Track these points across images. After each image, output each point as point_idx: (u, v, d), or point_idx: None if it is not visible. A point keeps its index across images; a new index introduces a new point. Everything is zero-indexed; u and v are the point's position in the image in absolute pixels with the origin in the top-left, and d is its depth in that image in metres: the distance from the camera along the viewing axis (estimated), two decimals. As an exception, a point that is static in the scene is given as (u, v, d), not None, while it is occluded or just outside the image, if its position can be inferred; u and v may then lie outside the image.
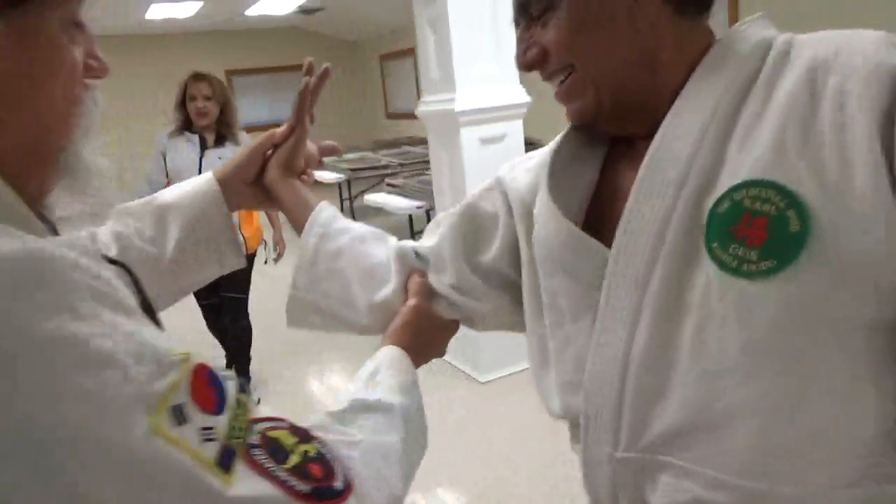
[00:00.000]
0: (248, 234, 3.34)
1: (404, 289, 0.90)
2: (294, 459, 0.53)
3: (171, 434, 0.46)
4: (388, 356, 0.81)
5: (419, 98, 3.31)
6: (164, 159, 3.29)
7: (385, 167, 6.48)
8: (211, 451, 0.48)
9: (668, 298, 0.63)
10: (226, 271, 1.05)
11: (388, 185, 5.31)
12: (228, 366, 3.52)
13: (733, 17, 5.68)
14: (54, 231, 0.63)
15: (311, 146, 1.06)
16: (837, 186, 0.57)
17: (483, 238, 0.88)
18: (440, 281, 0.90)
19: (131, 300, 0.51)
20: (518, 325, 0.87)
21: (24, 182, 0.54)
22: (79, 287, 0.45)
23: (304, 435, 0.57)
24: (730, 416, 0.61)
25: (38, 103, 0.54)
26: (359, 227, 0.97)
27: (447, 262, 0.89)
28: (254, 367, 3.62)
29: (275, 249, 3.50)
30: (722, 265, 0.61)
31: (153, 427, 0.46)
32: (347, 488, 0.55)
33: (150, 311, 0.73)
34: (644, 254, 0.65)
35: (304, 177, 1.02)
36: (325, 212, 0.97)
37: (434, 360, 0.92)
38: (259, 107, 10.63)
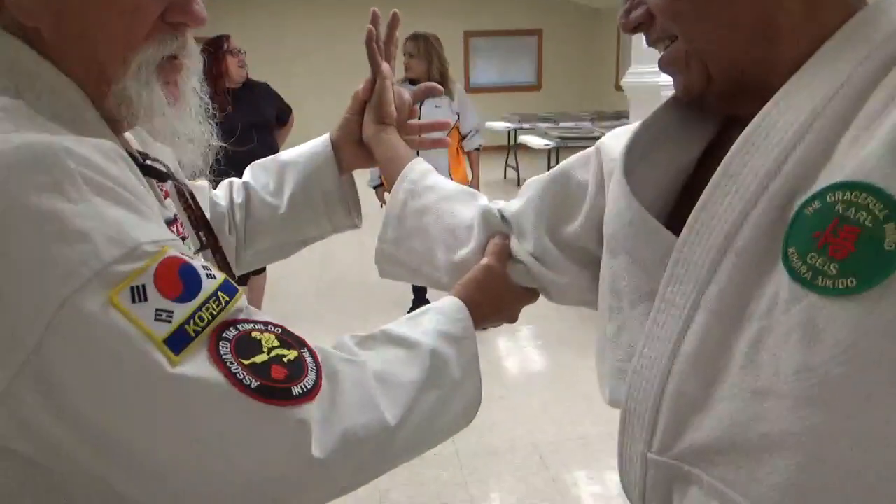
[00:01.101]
0: (455, 178, 3.64)
1: (483, 250, 0.88)
2: (260, 358, 0.57)
3: (125, 307, 0.52)
4: (442, 304, 0.80)
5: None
6: None
7: (597, 138, 6.24)
8: (161, 330, 0.53)
9: (730, 301, 0.56)
10: (339, 230, 1.11)
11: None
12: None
13: None
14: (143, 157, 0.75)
15: (404, 94, 1.07)
16: None
17: (569, 208, 0.83)
18: (520, 247, 0.87)
19: (142, 200, 0.58)
20: (595, 303, 0.81)
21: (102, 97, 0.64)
22: (72, 174, 0.52)
23: (293, 342, 0.61)
24: (770, 445, 0.52)
25: (96, 36, 0.62)
26: (449, 186, 0.96)
27: (528, 229, 0.86)
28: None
29: None
30: (794, 274, 0.52)
31: (110, 298, 0.51)
32: (306, 395, 0.58)
33: (204, 224, 0.83)
34: (712, 248, 0.57)
35: (415, 133, 1.05)
36: (417, 168, 0.97)
37: None
38: (492, 69, 10.83)
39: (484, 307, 0.82)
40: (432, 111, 3.50)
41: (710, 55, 0.61)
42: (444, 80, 3.54)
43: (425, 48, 3.50)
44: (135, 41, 0.63)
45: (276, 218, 1.04)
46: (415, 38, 3.53)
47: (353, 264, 4.86)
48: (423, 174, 0.97)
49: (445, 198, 0.94)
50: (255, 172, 1.08)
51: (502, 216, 0.90)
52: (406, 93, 1.07)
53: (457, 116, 3.70)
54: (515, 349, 3.62)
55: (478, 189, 3.78)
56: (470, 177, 3.84)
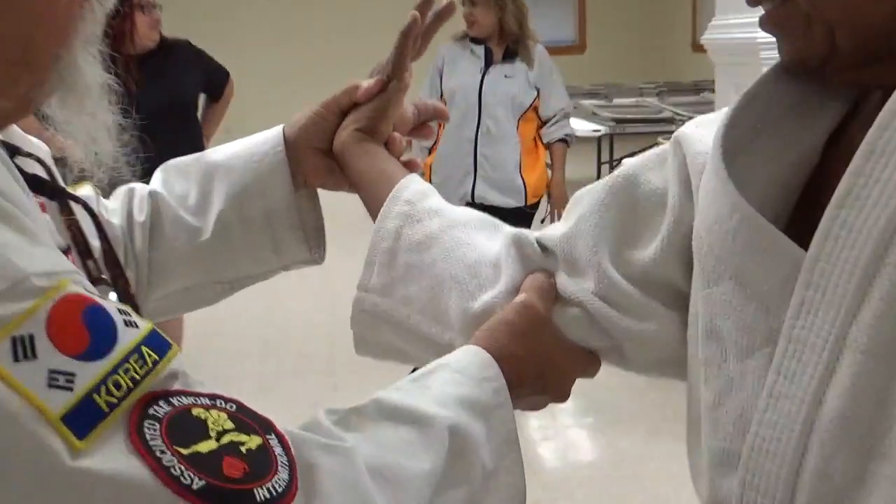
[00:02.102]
0: (530, 180, 3.74)
1: (517, 291, 0.87)
2: (205, 446, 0.56)
3: (3, 367, 0.50)
4: (460, 356, 0.79)
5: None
6: (441, 77, 3.77)
7: (666, 120, 6.36)
8: (58, 401, 0.51)
9: (890, 336, 0.56)
10: (291, 266, 1.10)
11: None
12: None
13: None
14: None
15: (407, 108, 1.07)
16: None
17: (641, 226, 0.84)
18: (575, 284, 0.86)
19: (30, 216, 0.58)
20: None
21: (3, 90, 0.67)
22: None
23: (254, 425, 0.60)
24: None
25: (35, 5, 0.65)
26: (459, 210, 0.97)
27: (585, 258, 0.86)
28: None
29: (550, 208, 3.87)
30: None
31: None
32: (279, 500, 0.57)
33: (111, 260, 0.85)
34: (859, 262, 0.58)
35: (393, 145, 1.04)
36: (413, 186, 0.97)
37: None
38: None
39: (522, 364, 0.81)
40: (500, 82, 3.57)
41: (841, 19, 0.63)
42: (522, 36, 3.61)
43: None
44: (76, 8, 0.68)
45: (198, 246, 1.03)
46: None
47: (314, 307, 4.86)
48: (422, 194, 0.97)
49: (456, 224, 0.94)
50: (169, 178, 1.07)
51: (542, 247, 0.91)
52: (410, 110, 1.09)
53: (535, 92, 3.73)
54: (556, 432, 3.61)
55: (564, 196, 3.81)
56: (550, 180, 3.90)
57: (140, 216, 1.03)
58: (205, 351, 4.10)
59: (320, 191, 1.10)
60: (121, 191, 1.06)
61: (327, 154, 1.05)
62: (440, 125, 3.69)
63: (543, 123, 3.81)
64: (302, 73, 9.86)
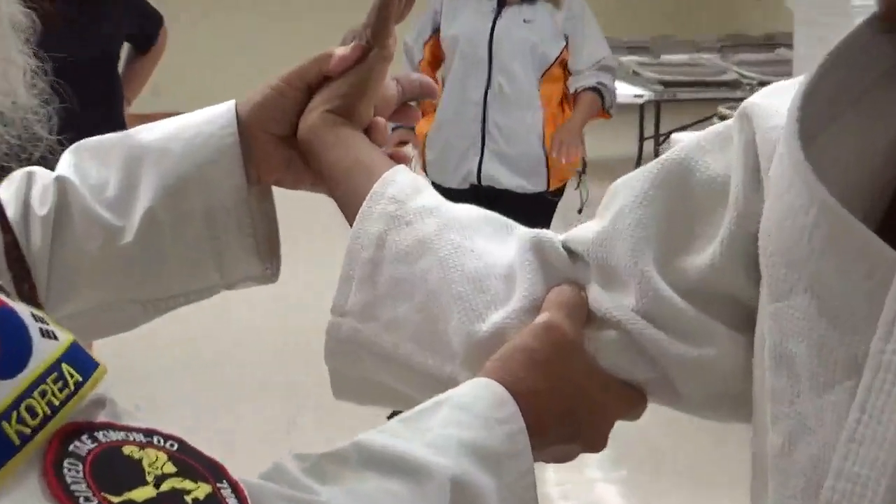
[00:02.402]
0: (555, 158, 3.81)
1: (536, 311, 0.88)
2: (141, 494, 0.56)
3: None
4: (465, 392, 0.80)
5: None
6: (438, 21, 3.86)
7: (729, 84, 6.47)
8: None
9: None
10: (236, 284, 1.11)
11: (724, 118, 5.22)
12: None
13: None
14: None
15: (389, 85, 1.09)
16: None
17: (696, 224, 0.86)
18: (612, 300, 0.87)
19: None
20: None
21: None
22: None
23: (201, 469, 0.61)
24: None
25: None
26: (459, 208, 0.98)
27: (623, 266, 0.87)
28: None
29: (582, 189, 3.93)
30: None
31: None
32: None
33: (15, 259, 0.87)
34: None
35: (376, 132, 1.05)
36: (400, 179, 0.98)
37: None
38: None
39: (545, 403, 0.82)
40: (516, 28, 3.64)
41: None
42: None
43: None
44: None
45: (116, 251, 1.04)
46: None
47: (268, 318, 4.88)
48: (413, 189, 0.98)
49: (456, 225, 0.95)
50: (83, 161, 1.07)
51: (569, 252, 0.92)
52: (393, 87, 1.10)
53: (563, 41, 3.77)
54: (580, 486, 3.64)
55: (573, 137, 3.85)
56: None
57: (41, 209, 1.02)
58: (126, 370, 4.10)
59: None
60: (16, 176, 1.05)
61: (285, 142, 1.07)
62: (440, 82, 3.71)
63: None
64: (257, 25, 9.91)
